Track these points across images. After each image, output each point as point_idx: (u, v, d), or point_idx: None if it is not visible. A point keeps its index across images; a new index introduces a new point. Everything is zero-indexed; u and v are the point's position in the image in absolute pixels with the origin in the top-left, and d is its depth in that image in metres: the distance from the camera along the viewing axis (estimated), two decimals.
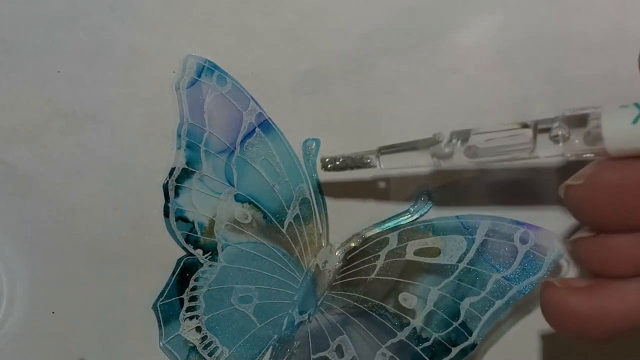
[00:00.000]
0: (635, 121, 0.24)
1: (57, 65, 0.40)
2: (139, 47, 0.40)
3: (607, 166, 0.27)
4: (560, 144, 0.27)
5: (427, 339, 0.36)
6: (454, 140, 0.31)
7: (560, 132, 0.27)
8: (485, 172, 0.39)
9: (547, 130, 0.28)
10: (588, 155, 0.27)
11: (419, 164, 0.33)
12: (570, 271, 0.36)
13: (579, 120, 0.26)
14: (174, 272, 0.38)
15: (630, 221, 0.27)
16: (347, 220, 0.39)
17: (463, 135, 0.31)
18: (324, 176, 0.39)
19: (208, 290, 0.38)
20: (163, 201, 0.39)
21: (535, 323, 0.37)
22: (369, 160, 0.34)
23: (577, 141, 0.26)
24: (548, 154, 0.28)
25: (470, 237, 0.36)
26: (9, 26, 0.40)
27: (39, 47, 0.40)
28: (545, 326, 0.37)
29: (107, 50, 0.40)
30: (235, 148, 0.39)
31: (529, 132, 0.28)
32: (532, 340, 0.38)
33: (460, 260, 0.36)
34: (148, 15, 0.40)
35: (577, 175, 0.28)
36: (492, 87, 0.39)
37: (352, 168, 0.35)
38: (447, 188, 0.38)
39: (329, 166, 0.35)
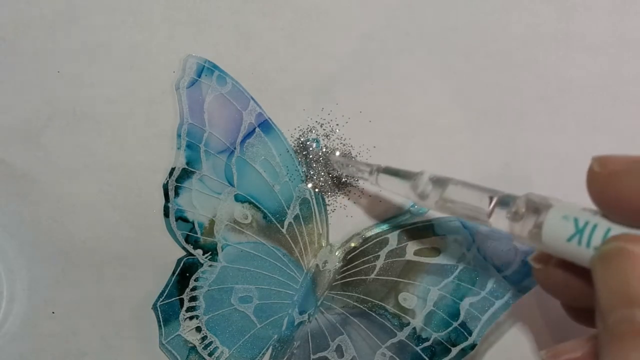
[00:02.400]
0: (569, 239, 0.25)
1: (57, 65, 0.40)
2: (139, 47, 0.40)
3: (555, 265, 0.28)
4: (510, 221, 0.28)
5: (427, 339, 0.36)
6: (429, 187, 0.32)
7: (515, 211, 0.28)
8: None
9: (506, 204, 0.29)
10: (531, 243, 0.28)
11: (401, 193, 0.34)
12: None
13: (534, 209, 0.27)
14: (174, 272, 0.38)
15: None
16: (347, 220, 0.39)
17: (440, 182, 0.32)
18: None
19: (208, 290, 0.38)
20: (163, 201, 0.39)
21: (535, 323, 0.37)
22: (367, 174, 0.35)
23: (525, 226, 0.27)
24: (501, 227, 0.29)
25: (470, 237, 0.36)
26: (9, 26, 0.40)
27: (39, 47, 0.40)
28: (545, 326, 0.37)
29: (107, 50, 0.40)
30: (235, 148, 0.39)
31: (488, 205, 0.29)
32: (532, 340, 0.38)
33: (460, 261, 0.36)
34: (148, 15, 0.40)
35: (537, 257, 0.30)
36: (492, 88, 0.39)
37: (353, 176, 0.37)
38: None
39: (333, 165, 0.38)
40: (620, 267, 0.22)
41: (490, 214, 0.29)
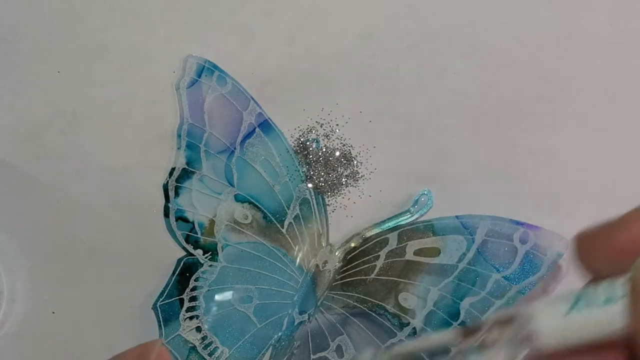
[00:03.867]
0: (567, 313, 0.23)
1: (57, 65, 0.40)
2: (139, 47, 0.40)
3: None
4: (487, 351, 0.27)
5: None
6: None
7: (490, 338, 0.26)
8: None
9: (473, 333, 0.27)
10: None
11: None
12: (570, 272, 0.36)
13: (507, 322, 0.26)
14: (174, 272, 0.38)
15: None
16: (347, 220, 0.39)
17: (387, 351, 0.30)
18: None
19: (208, 290, 0.38)
20: (163, 201, 0.39)
21: None
22: None
23: (505, 345, 0.26)
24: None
25: (470, 237, 0.36)
26: (9, 26, 0.40)
27: (39, 47, 0.40)
28: None
29: (107, 51, 0.40)
30: (235, 148, 0.39)
31: (457, 339, 0.28)
32: None
33: (460, 260, 0.36)
34: (148, 15, 0.40)
35: None
36: (492, 88, 0.39)
37: None
38: (447, 188, 0.39)
39: None
40: None
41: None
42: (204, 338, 0.38)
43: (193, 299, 0.38)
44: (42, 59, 0.40)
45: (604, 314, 0.22)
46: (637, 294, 0.21)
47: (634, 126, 0.39)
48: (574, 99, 0.39)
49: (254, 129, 0.39)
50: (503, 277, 0.35)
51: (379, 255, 0.37)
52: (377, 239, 0.38)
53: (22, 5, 0.40)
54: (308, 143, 0.39)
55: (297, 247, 0.39)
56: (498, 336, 0.25)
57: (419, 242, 0.37)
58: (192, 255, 0.39)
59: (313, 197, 0.39)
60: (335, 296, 0.38)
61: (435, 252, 0.36)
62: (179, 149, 0.39)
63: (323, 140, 0.39)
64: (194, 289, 0.38)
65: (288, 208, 0.39)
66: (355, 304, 0.37)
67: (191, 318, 0.38)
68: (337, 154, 0.39)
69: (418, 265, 0.37)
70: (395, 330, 0.36)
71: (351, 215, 0.39)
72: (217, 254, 0.39)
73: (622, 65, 0.39)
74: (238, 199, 0.39)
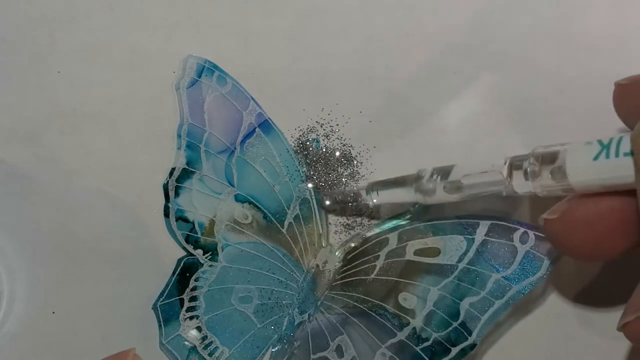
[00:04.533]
0: (596, 157, 0.24)
1: (57, 65, 0.40)
2: (139, 47, 0.40)
3: (576, 203, 0.29)
4: (531, 181, 0.28)
5: (426, 339, 0.36)
6: (435, 176, 0.32)
7: (530, 169, 0.28)
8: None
9: (520, 167, 0.28)
10: (558, 191, 0.28)
11: (406, 199, 0.35)
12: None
13: (549, 158, 0.27)
14: (174, 272, 0.38)
15: (600, 251, 0.29)
16: (347, 220, 0.39)
17: (444, 172, 0.32)
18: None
19: (208, 290, 0.38)
20: (163, 201, 0.39)
21: (535, 323, 0.37)
22: (362, 199, 0.37)
23: (546, 178, 0.27)
24: (522, 190, 0.29)
25: (470, 237, 0.36)
26: (9, 26, 0.40)
27: (39, 47, 0.40)
28: (545, 326, 0.37)
29: (107, 50, 0.40)
30: (235, 148, 0.39)
31: (503, 169, 0.29)
32: (532, 340, 0.37)
33: (460, 260, 0.36)
34: (148, 15, 0.40)
35: (552, 209, 0.30)
36: (492, 87, 0.39)
37: (350, 204, 0.38)
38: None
39: (328, 203, 0.38)
40: None
41: (510, 182, 0.28)
42: (204, 338, 0.38)
43: (193, 299, 0.38)
44: (42, 59, 0.40)
45: (622, 165, 0.23)
46: (637, 153, 0.23)
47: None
48: (574, 98, 0.39)
49: (254, 129, 0.39)
50: (503, 277, 0.35)
51: (379, 256, 0.37)
52: (377, 239, 0.38)
53: (22, 5, 0.40)
54: (308, 143, 0.39)
55: (297, 247, 0.39)
56: (539, 170, 0.27)
57: (419, 242, 0.37)
58: (192, 255, 0.39)
59: (313, 197, 0.39)
60: (335, 296, 0.38)
61: (435, 252, 0.36)
62: (179, 149, 0.39)
63: (323, 140, 0.39)
64: (194, 288, 0.38)
65: (288, 208, 0.39)
66: (355, 304, 0.37)
67: (191, 318, 0.38)
68: (337, 154, 0.39)
69: (418, 265, 0.36)
70: (395, 330, 0.36)
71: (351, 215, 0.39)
72: (217, 254, 0.39)
73: (622, 65, 0.38)
74: (238, 199, 0.39)
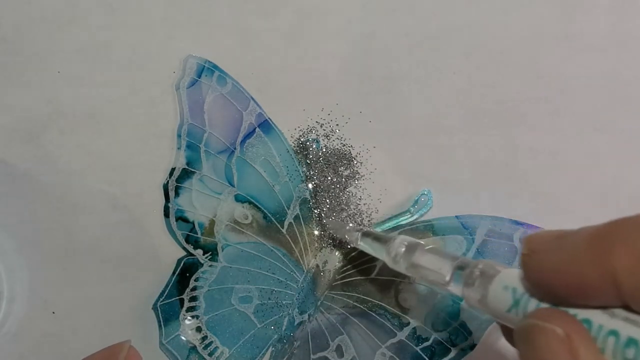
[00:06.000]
0: (509, 310, 0.24)
1: (57, 65, 0.40)
2: (139, 47, 0.40)
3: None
4: (463, 289, 0.28)
5: (426, 339, 0.36)
6: (401, 249, 0.32)
7: (467, 277, 0.27)
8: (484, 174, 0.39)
9: (462, 268, 0.28)
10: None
11: (379, 257, 0.34)
12: None
13: (486, 276, 0.26)
14: (174, 272, 0.38)
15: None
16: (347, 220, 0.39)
17: (410, 248, 0.32)
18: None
19: (208, 290, 0.38)
20: (163, 201, 0.39)
21: None
22: (350, 237, 0.37)
23: (476, 293, 0.27)
24: (456, 291, 0.29)
25: (470, 237, 0.36)
26: (9, 26, 0.40)
27: (39, 47, 0.40)
28: None
29: (107, 50, 0.40)
30: (235, 148, 0.39)
31: (449, 271, 0.29)
32: None
33: None
34: (148, 15, 0.40)
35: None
36: (492, 87, 0.39)
37: (341, 239, 0.38)
38: (447, 188, 0.39)
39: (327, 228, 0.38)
40: (536, 343, 0.22)
41: (449, 282, 0.28)
42: (204, 338, 0.38)
43: (193, 299, 0.38)
44: (42, 59, 0.40)
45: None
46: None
47: (634, 126, 0.39)
48: (574, 99, 0.39)
49: (254, 129, 0.39)
50: None
51: None
52: None
53: (22, 5, 0.40)
54: (308, 143, 0.39)
55: (297, 247, 0.39)
56: (476, 281, 0.26)
57: None
58: (192, 255, 0.39)
59: (313, 197, 0.39)
60: (335, 296, 0.38)
61: None
62: (179, 149, 0.39)
63: (323, 140, 0.39)
64: (194, 288, 0.38)
65: (288, 208, 0.39)
66: (355, 304, 0.37)
67: (191, 318, 0.38)
68: (337, 154, 0.39)
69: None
70: (395, 330, 0.36)
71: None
72: (217, 254, 0.39)
73: (622, 65, 0.38)
74: (238, 199, 0.39)
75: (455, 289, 0.28)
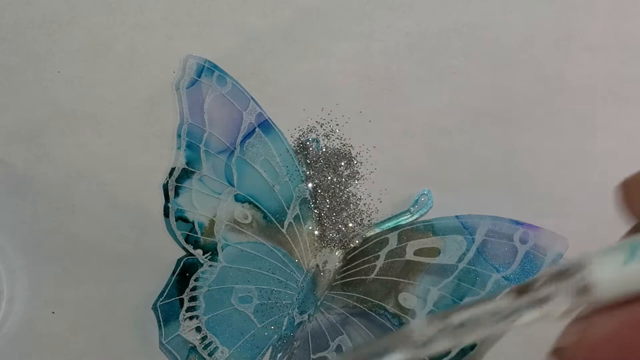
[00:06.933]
0: (626, 262, 0.23)
1: (57, 65, 0.40)
2: (139, 47, 0.40)
3: (601, 316, 0.24)
4: (544, 306, 0.25)
5: None
6: (432, 327, 0.30)
7: (544, 293, 0.25)
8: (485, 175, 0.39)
9: (526, 291, 0.26)
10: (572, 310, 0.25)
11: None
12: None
13: (563, 276, 0.25)
14: (174, 272, 0.38)
15: None
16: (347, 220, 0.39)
17: (441, 319, 0.29)
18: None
19: (208, 290, 0.38)
20: (163, 201, 0.39)
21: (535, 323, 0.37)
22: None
23: (563, 298, 0.25)
24: (533, 318, 0.26)
25: (470, 237, 0.36)
26: (9, 26, 0.40)
27: (39, 48, 0.40)
28: (544, 326, 0.37)
29: (107, 50, 0.40)
30: (235, 148, 0.39)
31: (510, 300, 0.27)
32: (532, 340, 0.37)
33: (460, 260, 0.36)
34: (148, 15, 0.40)
35: (566, 333, 0.26)
36: (492, 88, 0.39)
37: None
38: (447, 188, 0.39)
39: None
40: None
41: (519, 309, 0.26)
42: (203, 338, 0.38)
43: (193, 299, 0.38)
44: (42, 59, 0.40)
45: None
46: None
47: (634, 126, 0.39)
48: (574, 99, 0.39)
49: (254, 129, 0.39)
50: (503, 277, 0.35)
51: (379, 256, 0.37)
52: (377, 239, 0.38)
53: (22, 5, 0.40)
54: (308, 143, 0.39)
55: (297, 247, 0.39)
56: (554, 291, 0.24)
57: (419, 242, 0.37)
58: (192, 255, 0.39)
59: (313, 197, 0.39)
60: (335, 296, 0.38)
61: (435, 252, 0.36)
62: (179, 149, 0.39)
63: (323, 140, 0.39)
64: (194, 289, 0.38)
65: (288, 208, 0.39)
66: (356, 304, 0.37)
67: (191, 318, 0.38)
68: (337, 154, 0.39)
69: (418, 265, 0.37)
70: (395, 330, 0.36)
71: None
72: (217, 254, 0.39)
73: (622, 65, 0.38)
74: (238, 199, 0.39)
75: (530, 315, 0.26)
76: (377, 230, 0.38)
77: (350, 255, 0.38)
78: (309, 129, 0.40)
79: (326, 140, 0.39)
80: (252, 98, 0.39)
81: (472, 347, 0.35)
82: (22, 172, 0.40)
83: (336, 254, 0.38)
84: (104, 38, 0.40)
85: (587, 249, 0.35)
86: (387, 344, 0.29)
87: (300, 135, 0.39)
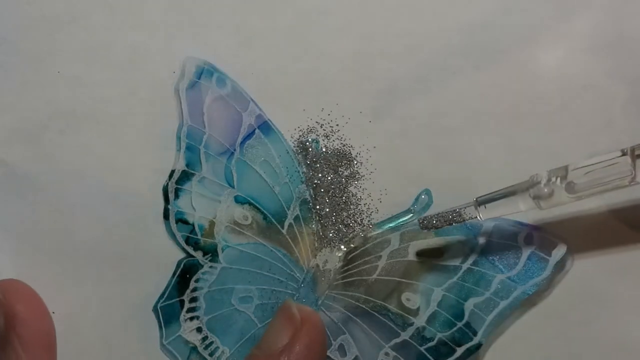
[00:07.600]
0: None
1: (57, 65, 0.40)
2: (139, 47, 0.40)
3: None
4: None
5: (431, 339, 0.36)
6: (553, 179, 0.31)
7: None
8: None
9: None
10: None
11: (520, 208, 0.32)
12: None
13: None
14: (174, 274, 0.38)
15: None
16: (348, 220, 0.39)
17: (561, 173, 0.31)
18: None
19: (208, 291, 0.38)
20: (163, 202, 0.39)
21: (535, 323, 0.37)
22: (466, 216, 0.34)
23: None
24: None
25: (474, 237, 0.36)
26: (9, 26, 0.40)
27: (39, 47, 0.40)
28: (545, 326, 0.37)
29: (107, 50, 0.40)
30: (235, 150, 0.39)
31: (627, 159, 0.28)
32: (532, 340, 0.37)
33: (463, 261, 0.36)
34: (148, 15, 0.40)
35: None
36: (492, 88, 0.39)
37: (450, 224, 0.34)
38: (447, 188, 0.39)
39: (426, 225, 0.35)
40: None
41: (634, 168, 0.27)
42: (204, 338, 0.38)
43: (193, 300, 0.38)
44: (42, 59, 0.40)
45: None
46: None
47: (633, 126, 0.39)
48: (574, 99, 0.39)
49: (254, 130, 0.39)
50: (507, 277, 0.35)
51: (381, 256, 0.37)
52: (379, 239, 0.38)
53: (22, 5, 0.40)
54: (308, 143, 0.39)
55: (297, 248, 0.39)
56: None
57: (421, 242, 0.37)
58: (193, 256, 0.39)
59: (313, 197, 0.39)
60: (336, 296, 0.38)
61: (438, 252, 0.36)
62: (178, 150, 0.39)
63: (323, 140, 0.39)
64: (194, 290, 0.38)
65: (288, 209, 0.39)
66: (358, 303, 0.37)
67: (192, 319, 0.38)
68: (337, 154, 0.39)
69: (421, 265, 0.36)
70: (399, 330, 0.36)
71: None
72: (218, 255, 0.38)
73: (622, 65, 0.39)
74: (238, 200, 0.39)
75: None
76: (378, 231, 0.38)
77: (351, 255, 0.38)
78: (308, 130, 0.40)
79: (326, 140, 0.39)
80: (252, 99, 0.39)
81: (478, 346, 0.35)
82: (22, 172, 0.39)
83: (336, 253, 0.38)
84: (104, 38, 0.40)
85: (589, 249, 0.35)
86: (514, 189, 0.30)
87: (300, 136, 0.39)
